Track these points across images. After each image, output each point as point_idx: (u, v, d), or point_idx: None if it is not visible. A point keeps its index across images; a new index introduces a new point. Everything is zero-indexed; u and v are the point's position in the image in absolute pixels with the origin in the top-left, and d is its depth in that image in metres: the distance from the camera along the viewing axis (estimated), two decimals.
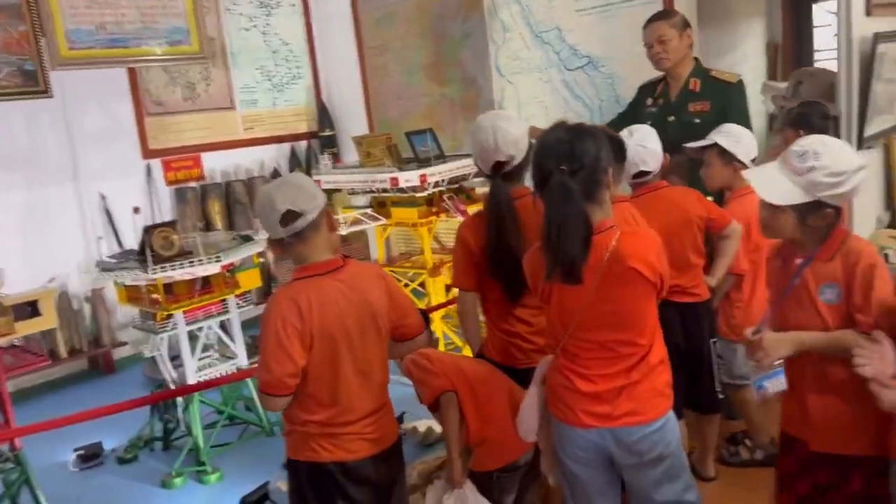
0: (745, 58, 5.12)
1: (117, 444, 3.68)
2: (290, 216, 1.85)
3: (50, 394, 4.69)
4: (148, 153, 5.28)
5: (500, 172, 2.23)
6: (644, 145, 2.55)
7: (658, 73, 3.45)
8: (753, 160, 2.79)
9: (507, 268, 2.15)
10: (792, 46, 5.45)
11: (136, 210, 4.14)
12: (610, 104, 4.42)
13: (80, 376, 4.94)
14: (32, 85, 2.95)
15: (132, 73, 5.03)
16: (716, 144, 2.77)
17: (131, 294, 3.37)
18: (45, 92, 2.97)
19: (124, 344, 4.97)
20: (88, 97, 4.75)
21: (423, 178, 4.03)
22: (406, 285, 4.43)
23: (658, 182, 2.63)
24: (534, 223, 2.16)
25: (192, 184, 5.46)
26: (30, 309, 2.68)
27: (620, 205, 2.12)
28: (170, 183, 5.36)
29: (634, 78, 4.21)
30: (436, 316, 4.09)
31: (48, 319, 2.74)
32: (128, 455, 3.58)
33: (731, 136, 2.77)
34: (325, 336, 1.84)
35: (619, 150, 2.26)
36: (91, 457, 3.57)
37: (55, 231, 4.75)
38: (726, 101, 3.18)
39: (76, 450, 3.59)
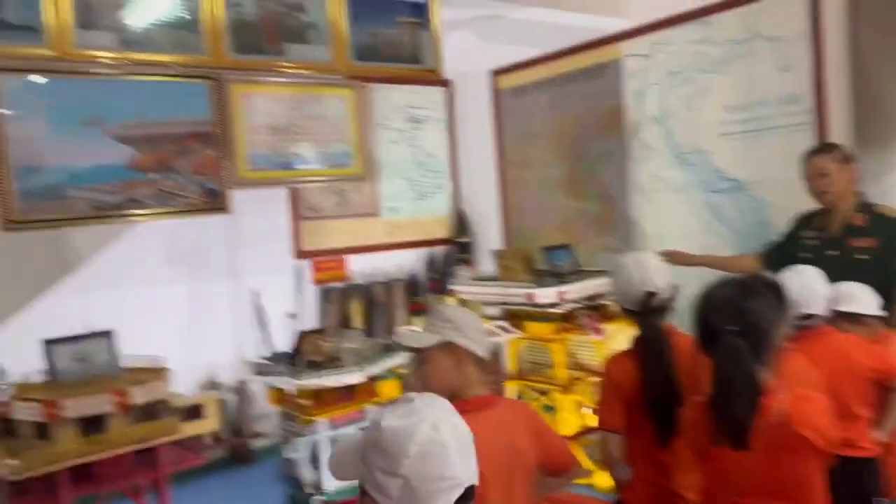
0: None
1: None
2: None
3: (191, 480, 4.94)
4: (299, 254, 5.65)
5: (649, 307, 2.24)
6: (811, 287, 2.48)
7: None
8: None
9: (659, 409, 2.12)
10: None
11: (291, 316, 4.43)
12: (754, 229, 4.32)
13: (220, 464, 5.19)
14: (214, 202, 3.28)
15: None
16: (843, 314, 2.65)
17: (279, 397, 3.56)
18: (223, 209, 3.30)
19: (263, 436, 5.20)
20: (251, 203, 5.20)
21: (559, 295, 4.07)
22: (536, 399, 4.41)
23: (823, 327, 2.53)
24: (687, 365, 2.13)
25: (337, 284, 5.78)
26: (195, 411, 2.90)
27: (786, 355, 2.07)
28: (317, 282, 5.70)
29: (784, 204, 4.12)
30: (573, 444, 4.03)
31: (211, 423, 2.95)
32: None
33: (848, 300, 2.65)
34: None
35: (783, 299, 2.22)
36: None
37: (212, 323, 5.13)
38: (894, 237, 3.05)
39: None
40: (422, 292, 6.13)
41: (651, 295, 2.24)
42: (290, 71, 3.60)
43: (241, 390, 5.17)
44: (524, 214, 5.94)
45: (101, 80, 3.04)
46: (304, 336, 3.50)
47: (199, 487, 4.78)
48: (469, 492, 1.22)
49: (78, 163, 2.94)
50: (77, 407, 2.63)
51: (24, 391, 2.74)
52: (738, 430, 1.64)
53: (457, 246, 6.34)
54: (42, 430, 2.64)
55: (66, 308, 3.57)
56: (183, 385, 3.95)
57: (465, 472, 1.21)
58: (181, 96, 3.21)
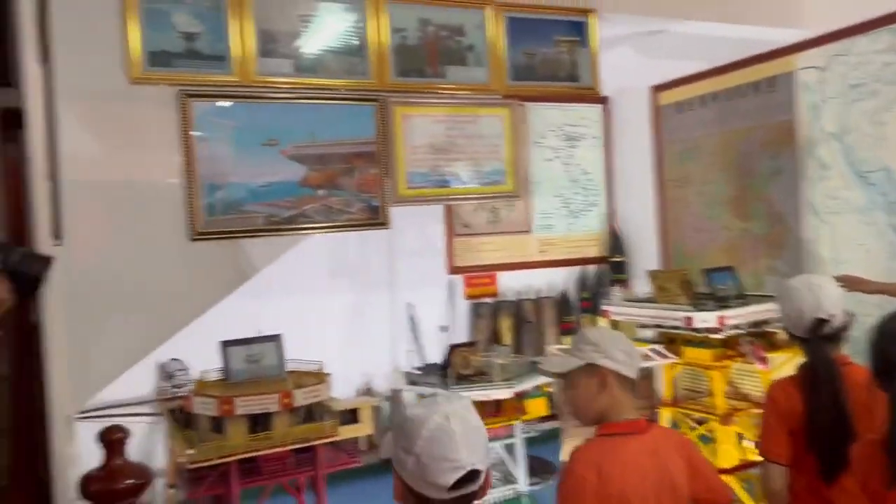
0: None
1: None
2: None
3: (346, 482, 5.17)
4: (452, 269, 5.78)
5: (819, 335, 2.09)
6: None
7: None
8: None
9: (827, 442, 1.97)
10: None
11: (444, 328, 4.56)
12: None
13: (373, 469, 5.39)
14: (375, 218, 3.45)
15: None
16: None
17: None
18: (383, 224, 3.46)
19: None
20: (409, 219, 5.41)
21: (720, 320, 3.87)
22: (693, 428, 4.21)
23: None
24: (862, 399, 1.97)
25: (487, 299, 5.86)
26: (351, 415, 3.05)
27: None
28: (468, 297, 5.82)
29: None
30: (731, 479, 3.81)
31: (365, 427, 3.09)
32: None
33: None
34: (623, 499, 1.83)
35: None
36: None
37: (369, 332, 5.36)
38: None
39: None
40: (573, 311, 6.06)
41: (822, 322, 2.09)
42: (448, 92, 3.72)
43: (394, 399, 5.34)
44: (683, 234, 5.71)
45: (278, 103, 3.30)
46: (454, 349, 3.58)
47: (353, 489, 4.99)
48: (472, 475, 1.39)
49: (256, 180, 3.21)
50: (247, 405, 2.84)
51: (202, 387, 3.01)
52: None
53: (610, 265, 6.21)
54: (217, 424, 2.88)
55: (241, 313, 3.89)
56: (340, 390, 4.16)
57: (469, 457, 1.38)
58: (348, 118, 3.42)
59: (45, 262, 1.86)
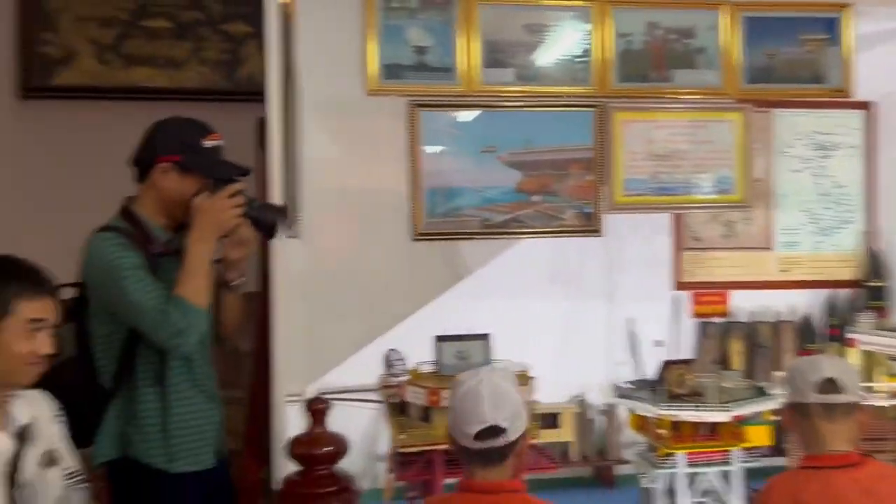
0: None
1: None
2: (831, 385, 1.74)
3: (555, 491, 5.15)
4: (678, 285, 5.51)
5: None
6: None
7: None
8: None
9: None
10: None
11: (659, 343, 4.36)
12: None
13: (583, 482, 5.31)
14: (588, 225, 3.43)
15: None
16: None
17: (640, 423, 3.53)
18: (596, 231, 3.43)
19: (627, 462, 5.17)
20: (633, 232, 5.26)
21: None
22: None
23: None
24: None
25: (717, 319, 5.49)
26: (552, 419, 3.05)
27: None
28: (695, 315, 5.50)
29: None
30: None
31: (565, 433, 3.08)
32: None
33: None
34: None
35: None
36: None
37: (583, 343, 5.28)
38: None
39: None
40: (816, 338, 5.46)
41: None
42: (674, 97, 3.58)
43: (608, 413, 5.22)
44: None
45: (498, 112, 3.42)
46: (668, 366, 3.42)
47: (559, 499, 4.96)
48: (495, 430, 1.67)
49: (474, 186, 3.35)
50: None
51: (415, 378, 3.20)
52: None
53: (866, 290, 5.50)
54: (425, 414, 3.04)
55: (454, 310, 4.06)
56: (550, 397, 4.18)
57: (492, 414, 1.67)
58: (566, 124, 3.44)
59: (281, 211, 2.15)
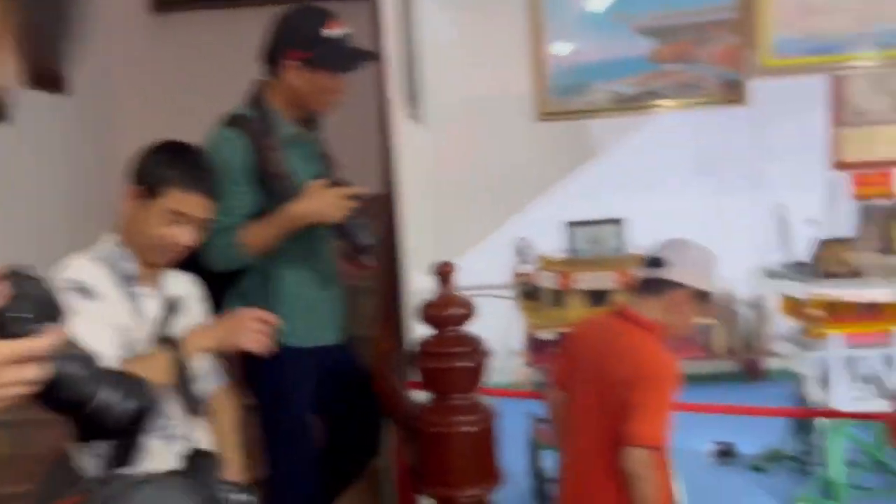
0: None
1: (750, 450, 3.69)
2: None
3: (701, 384, 4.99)
4: (838, 164, 5.03)
5: None
6: None
7: None
8: None
9: None
10: None
11: (812, 222, 4.00)
12: None
13: (730, 376, 5.13)
14: (731, 93, 3.13)
15: (836, 81, 4.84)
16: None
17: (792, 306, 3.31)
18: (739, 101, 3.12)
19: (776, 355, 4.92)
20: (782, 107, 4.81)
21: None
22: None
23: None
24: None
25: (882, 201, 4.98)
26: None
27: None
28: (857, 198, 5.01)
29: None
30: None
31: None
32: (761, 464, 3.56)
33: None
34: None
35: None
36: (726, 453, 3.68)
37: (730, 230, 4.97)
38: None
39: (716, 442, 3.74)
40: None
41: None
42: None
43: (756, 304, 4.95)
44: None
45: None
46: (825, 244, 3.15)
47: (706, 392, 4.83)
48: (657, 261, 1.92)
49: (603, 57, 3.12)
50: (586, 280, 2.89)
51: (547, 264, 3.15)
52: None
53: None
54: (558, 298, 3.00)
55: (588, 195, 3.91)
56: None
57: (663, 252, 1.95)
58: None
59: (373, 245, 2.01)
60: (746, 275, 4.93)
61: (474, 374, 1.68)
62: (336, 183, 1.96)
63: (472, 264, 4.38)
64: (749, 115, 4.82)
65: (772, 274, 3.33)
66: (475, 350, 1.68)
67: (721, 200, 4.98)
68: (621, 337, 1.82)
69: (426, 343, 1.70)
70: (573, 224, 3.16)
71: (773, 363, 4.98)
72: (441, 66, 2.91)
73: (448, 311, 1.68)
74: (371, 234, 1.96)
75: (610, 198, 3.73)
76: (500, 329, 4.30)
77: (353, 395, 2.08)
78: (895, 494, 3.20)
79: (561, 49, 3.11)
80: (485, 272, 3.80)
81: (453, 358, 1.65)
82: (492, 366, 1.72)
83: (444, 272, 1.70)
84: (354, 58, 2.04)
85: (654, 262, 1.87)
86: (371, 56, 2.10)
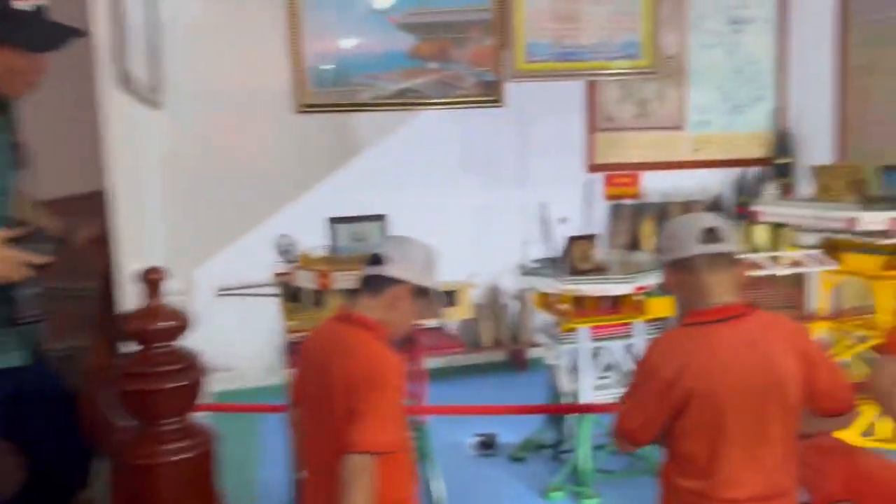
0: None
1: (512, 439, 3.82)
2: (712, 235, 1.64)
3: (469, 376, 5.15)
4: (592, 167, 5.40)
5: None
6: None
7: None
8: None
9: None
10: None
11: (563, 220, 4.25)
12: None
13: (497, 366, 5.33)
14: (490, 94, 3.19)
15: (590, 88, 5.20)
16: None
17: (544, 300, 3.45)
18: (498, 102, 3.19)
19: (539, 345, 5.18)
20: (543, 109, 5.07)
21: (893, 222, 3.29)
22: (850, 347, 3.71)
23: None
24: None
25: (629, 201, 5.45)
26: (449, 298, 2.91)
27: None
28: (608, 198, 5.44)
29: None
30: None
31: (463, 310, 2.95)
32: (519, 454, 3.69)
33: None
34: (707, 397, 1.55)
35: None
36: (487, 445, 3.78)
37: (497, 228, 5.16)
38: None
39: (477, 435, 3.83)
40: (727, 217, 5.50)
41: None
42: None
43: (521, 297, 5.18)
44: (865, 130, 4.93)
45: None
46: (573, 241, 3.31)
47: (472, 384, 4.98)
48: (375, 258, 1.82)
49: (365, 51, 3.04)
50: (346, 279, 2.78)
51: (306, 262, 2.99)
52: None
53: (774, 168, 5.53)
54: (318, 297, 2.86)
55: (351, 191, 3.81)
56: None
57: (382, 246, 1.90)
58: None
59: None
60: (512, 269, 5.15)
61: (189, 393, 1.50)
62: (30, 233, 1.65)
63: (231, 263, 4.15)
64: (513, 117, 5.00)
65: (526, 270, 3.45)
66: (189, 367, 1.49)
67: (487, 197, 5.13)
68: (344, 341, 1.73)
69: (128, 362, 1.48)
70: (335, 220, 3.04)
71: (536, 353, 5.25)
72: (189, 51, 2.64)
73: (155, 324, 1.47)
74: (39, 305, 1.65)
75: (374, 194, 3.65)
76: (268, 329, 4.09)
77: (54, 420, 1.79)
78: (636, 475, 3.45)
79: (321, 41, 2.97)
80: (247, 270, 3.59)
81: (162, 378, 1.45)
82: (262, 367, 1.54)
83: (151, 279, 1.48)
84: (50, 34, 1.75)
85: (375, 260, 1.80)
86: (75, 32, 1.81)
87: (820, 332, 3.90)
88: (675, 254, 1.68)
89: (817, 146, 5.31)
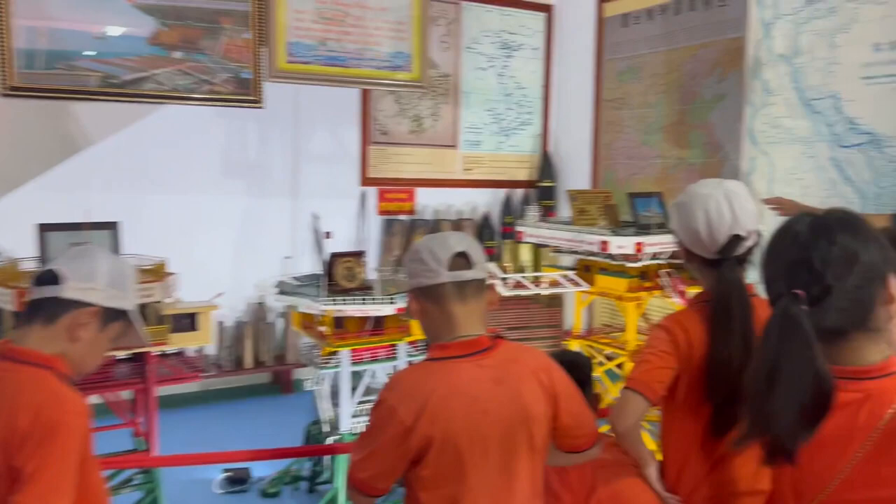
0: None
1: (265, 471, 3.51)
2: (462, 261, 1.49)
3: (230, 400, 4.74)
4: (366, 181, 5.26)
5: (734, 254, 1.68)
6: None
7: None
8: None
9: (725, 386, 1.58)
10: None
11: (328, 235, 4.04)
12: (892, 193, 3.56)
13: (261, 389, 4.97)
14: (245, 93, 2.88)
15: (365, 100, 5.07)
16: None
17: (305, 321, 3.20)
18: (256, 102, 2.89)
19: (304, 365, 4.91)
20: (318, 117, 4.85)
21: (638, 246, 3.48)
22: (600, 364, 3.88)
23: None
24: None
25: (402, 216, 5.38)
26: (189, 321, 2.56)
27: None
28: (381, 212, 5.33)
29: None
30: None
31: (203, 336, 2.61)
32: (271, 489, 3.39)
33: None
34: (449, 440, 1.40)
35: None
36: (238, 481, 3.43)
37: (266, 244, 4.83)
38: None
39: (226, 471, 3.47)
40: (494, 236, 5.64)
41: (738, 239, 1.67)
42: None
43: (287, 315, 4.88)
44: (615, 160, 5.29)
45: None
46: (335, 258, 3.10)
47: (238, 407, 4.58)
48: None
49: (92, 30, 2.60)
50: None
51: (4, 277, 2.47)
52: (779, 442, 1.11)
53: (538, 190, 5.79)
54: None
55: (66, 191, 3.27)
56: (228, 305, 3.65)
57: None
58: None
59: None
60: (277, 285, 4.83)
61: None
62: None
63: None
64: (285, 121, 4.75)
65: (283, 289, 3.17)
66: None
67: (254, 206, 4.80)
68: (3, 384, 1.35)
69: None
70: (47, 228, 2.55)
71: (302, 373, 4.97)
72: None
73: None
74: None
75: (104, 197, 3.17)
76: None
77: None
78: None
79: (35, 15, 2.49)
80: None
81: None
82: None
83: None
84: None
85: (45, 279, 1.43)
86: None
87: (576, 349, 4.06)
88: (421, 279, 1.50)
89: (577, 171, 5.62)
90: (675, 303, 3.68)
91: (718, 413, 1.61)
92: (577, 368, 1.84)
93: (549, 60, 5.86)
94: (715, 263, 1.70)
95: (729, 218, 1.68)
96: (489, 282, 1.53)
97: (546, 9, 5.77)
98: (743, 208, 1.70)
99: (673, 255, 3.64)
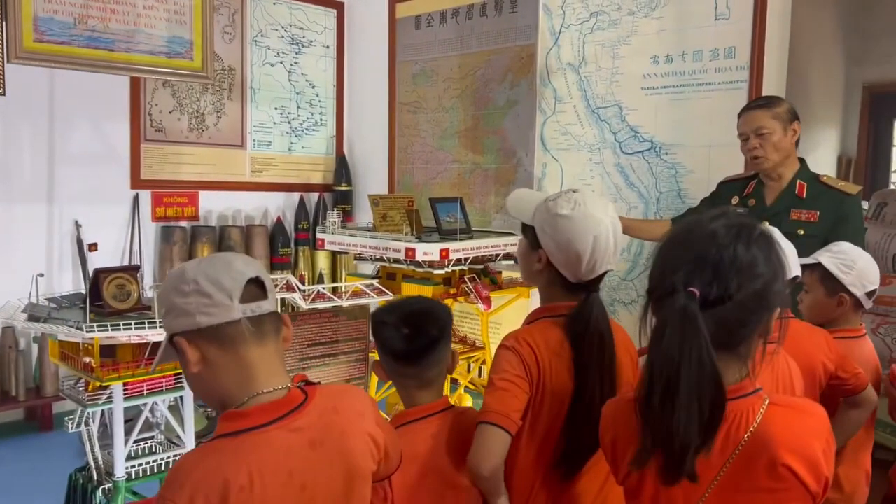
0: (815, 168, 4.54)
1: None
2: (254, 290, 1.17)
3: None
4: (138, 183, 4.68)
5: (597, 284, 1.56)
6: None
7: (743, 169, 2.84)
8: (871, 294, 2.13)
9: (580, 422, 1.46)
10: (867, 162, 4.86)
11: (93, 247, 3.49)
12: (671, 198, 3.80)
13: (13, 428, 4.22)
14: None
15: (135, 91, 4.50)
16: (819, 265, 2.12)
17: (66, 350, 2.68)
18: None
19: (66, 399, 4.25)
20: (79, 109, 4.22)
21: (444, 252, 3.39)
22: None
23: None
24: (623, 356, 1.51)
25: (183, 223, 4.86)
26: None
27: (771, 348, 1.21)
28: (157, 219, 4.77)
29: (703, 171, 3.64)
30: None
31: None
32: None
33: (841, 258, 2.12)
34: None
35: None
36: None
37: (14, 257, 4.11)
38: (840, 213, 2.54)
39: None
40: (289, 243, 5.30)
41: (604, 273, 1.55)
42: None
43: (43, 340, 4.18)
44: (412, 165, 5.20)
45: None
46: (100, 275, 2.63)
47: None
48: None
49: None
50: None
51: None
52: (680, 452, 1.02)
53: (335, 194, 5.54)
54: None
55: None
56: None
57: None
58: None
59: None
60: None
61: None
62: None
63: None
64: (36, 112, 4.06)
65: (33, 313, 2.63)
66: None
67: (6, 214, 4.07)
68: None
69: None
70: None
71: (64, 406, 4.29)
72: None
73: None
74: None
75: None
76: None
77: None
78: None
79: None
80: None
81: None
82: None
83: None
84: None
85: None
86: None
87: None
88: (200, 318, 1.12)
89: (374, 175, 5.46)
90: (479, 308, 3.64)
91: (570, 450, 1.48)
92: (435, 320, 1.56)
93: (342, 60, 5.64)
94: (573, 287, 1.55)
95: (612, 250, 1.54)
96: (279, 314, 1.23)
97: (337, 6, 5.54)
98: (617, 243, 1.56)
99: (475, 261, 3.60)
